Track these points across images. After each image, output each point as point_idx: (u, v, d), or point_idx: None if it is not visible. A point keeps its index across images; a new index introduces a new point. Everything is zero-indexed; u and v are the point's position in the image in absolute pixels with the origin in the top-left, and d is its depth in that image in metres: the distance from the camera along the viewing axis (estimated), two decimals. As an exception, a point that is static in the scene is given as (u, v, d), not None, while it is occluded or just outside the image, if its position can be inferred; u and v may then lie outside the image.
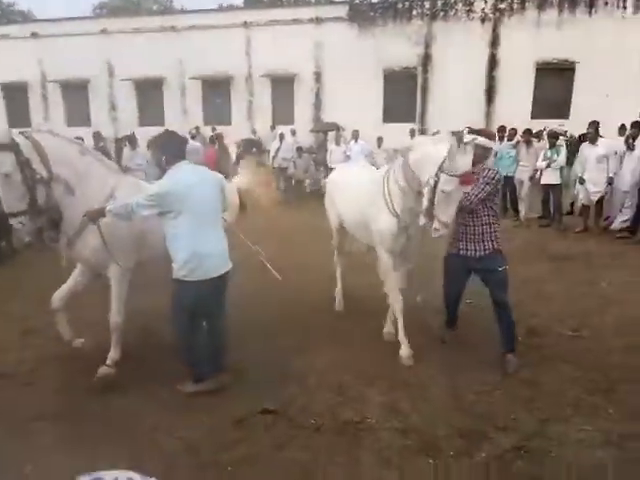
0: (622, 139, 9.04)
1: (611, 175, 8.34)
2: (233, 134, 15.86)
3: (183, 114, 20.34)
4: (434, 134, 10.58)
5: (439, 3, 18.26)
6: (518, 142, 10.21)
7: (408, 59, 18.16)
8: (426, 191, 3.58)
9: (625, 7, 16.33)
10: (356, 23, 18.45)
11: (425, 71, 18.26)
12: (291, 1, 32.60)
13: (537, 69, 17.19)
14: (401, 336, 4.20)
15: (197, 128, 17.14)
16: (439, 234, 3.64)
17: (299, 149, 12.19)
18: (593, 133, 8.63)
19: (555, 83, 17.11)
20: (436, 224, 3.60)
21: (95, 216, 3.50)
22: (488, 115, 17.60)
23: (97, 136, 11.93)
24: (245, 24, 19.24)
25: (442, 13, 17.94)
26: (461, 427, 3.23)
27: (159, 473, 2.80)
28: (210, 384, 3.72)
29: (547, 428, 3.19)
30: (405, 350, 4.15)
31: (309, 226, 9.46)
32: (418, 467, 2.90)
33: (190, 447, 3.13)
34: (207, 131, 17.89)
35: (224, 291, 3.70)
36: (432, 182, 3.51)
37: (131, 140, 10.83)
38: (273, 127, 17.69)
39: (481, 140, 3.72)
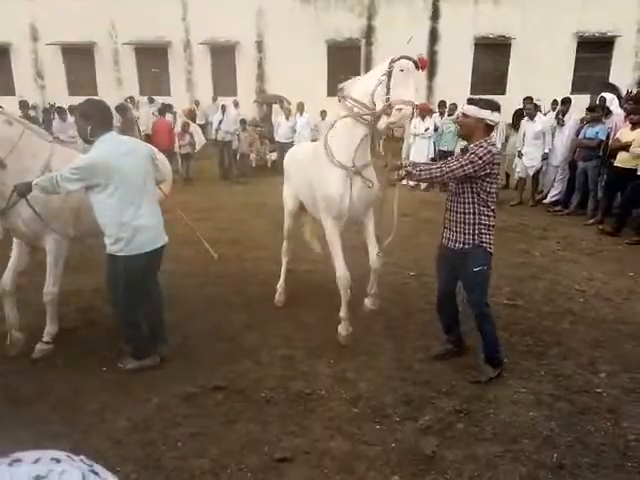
0: (552, 114, 9.51)
1: (546, 150, 8.76)
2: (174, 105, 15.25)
3: (117, 83, 19.30)
4: None
5: (382, -26, 18.16)
6: (458, 117, 10.47)
7: (351, 31, 18.05)
8: (378, 89, 3.38)
9: (558, -15, 16.91)
10: (298, -9, 18.05)
11: (369, 43, 18.23)
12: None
13: (475, 44, 17.59)
14: (342, 314, 4.01)
15: (131, 98, 16.33)
16: (403, 114, 3.24)
17: (242, 122, 11.89)
18: (532, 109, 8.98)
19: (493, 59, 17.62)
20: (399, 106, 3.24)
21: (23, 190, 3.33)
22: (430, 89, 17.91)
23: (24, 105, 11.12)
24: (182, -12, 18.33)
25: (385, -16, 17.87)
26: (406, 394, 3.38)
27: (108, 450, 2.83)
28: (151, 360, 3.72)
29: (485, 392, 3.39)
30: (344, 327, 4.02)
31: (254, 202, 9.37)
32: (366, 433, 3.01)
33: (139, 425, 3.10)
34: (144, 101, 17.13)
35: (159, 264, 3.70)
36: (383, 73, 3.38)
37: (60, 111, 10.20)
38: (215, 98, 17.16)
39: (468, 109, 3.31)
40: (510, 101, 11.12)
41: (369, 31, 18.13)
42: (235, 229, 7.48)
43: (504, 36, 17.23)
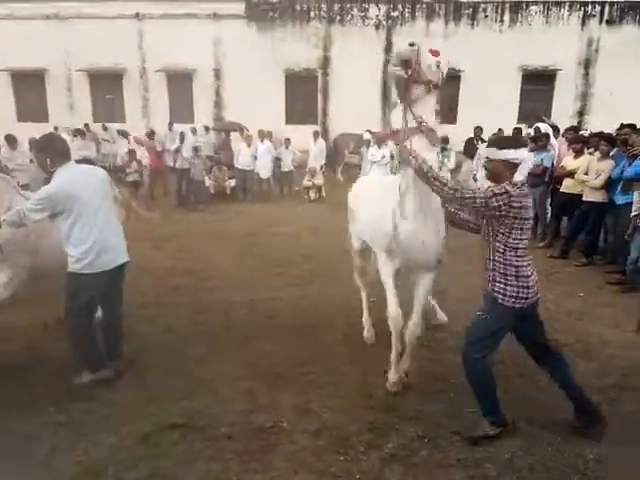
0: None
1: None
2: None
3: (69, 109, 18.87)
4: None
5: (336, 7, 18.75)
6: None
7: (308, 61, 18.43)
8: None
9: (502, 21, 17.95)
10: (254, 22, 18.35)
11: (325, 74, 18.65)
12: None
13: (428, 76, 18.28)
14: (394, 355, 3.73)
15: (86, 125, 15.99)
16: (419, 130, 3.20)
17: (196, 149, 11.76)
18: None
19: (444, 90, 18.27)
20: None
21: None
22: (385, 120, 18.40)
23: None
24: (137, 16, 18.29)
25: (339, 17, 18.43)
26: (371, 422, 3.34)
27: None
28: (106, 373, 3.82)
29: (450, 417, 3.39)
30: (393, 374, 3.72)
31: (212, 230, 9.25)
32: (331, 465, 2.94)
33: (91, 469, 2.91)
34: (98, 129, 16.81)
35: (122, 281, 3.91)
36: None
37: (9, 139, 9.85)
38: (171, 125, 17.00)
39: (488, 152, 3.09)
40: (460, 130, 11.63)
41: (325, 61, 18.57)
42: (191, 258, 7.32)
43: (454, 69, 18.01)
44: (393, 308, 3.64)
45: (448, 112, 18.05)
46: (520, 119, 16.69)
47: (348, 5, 18.81)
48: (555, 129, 9.93)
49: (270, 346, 4.44)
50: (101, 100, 19.12)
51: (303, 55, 18.25)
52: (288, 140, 13.23)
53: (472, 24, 18.07)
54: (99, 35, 17.49)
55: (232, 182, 12.58)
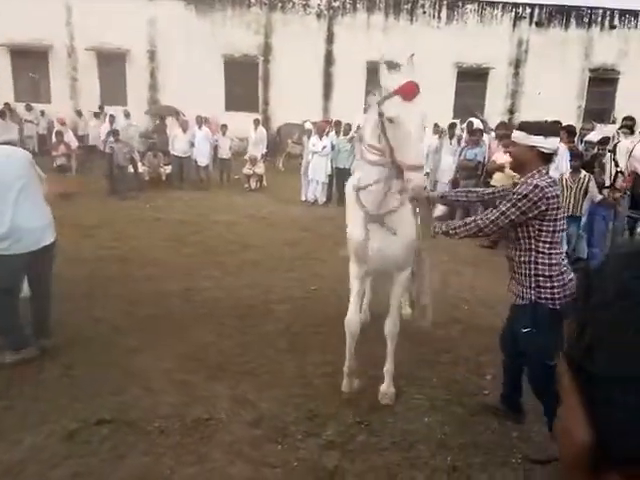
0: (436, 137, 10.24)
1: (427, 171, 9.35)
2: (54, 113, 14.14)
3: (-12, 87, 17.46)
4: None
5: (277, -6, 18.53)
6: (353, 137, 10.87)
7: (248, 47, 18.10)
8: (382, 141, 2.83)
9: (440, 18, 18.43)
10: (193, 4, 17.75)
11: (266, 61, 18.39)
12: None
13: (367, 68, 18.49)
14: (347, 367, 3.51)
15: (7, 104, 14.88)
16: (415, 185, 2.69)
17: (114, 132, 11.05)
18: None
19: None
20: (408, 174, 2.69)
21: None
22: (325, 109, 18.44)
23: None
24: (65, -10, 17.17)
25: (280, 4, 18.20)
26: (309, 410, 3.34)
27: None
28: (29, 352, 3.80)
29: (384, 401, 3.46)
30: (346, 384, 3.53)
31: (145, 217, 8.89)
32: (268, 454, 2.92)
33: (10, 470, 2.72)
34: (20, 108, 15.72)
35: (50, 261, 3.89)
36: (378, 119, 2.79)
37: None
38: (102, 108, 16.16)
39: (517, 135, 2.81)
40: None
41: (266, 48, 18.31)
42: (124, 246, 7.00)
43: (392, 62, 18.30)
44: (352, 312, 3.41)
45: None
46: (456, 115, 17.26)
47: (289, -8, 18.65)
48: (485, 125, 10.35)
49: (207, 336, 4.33)
50: (24, 78, 17.83)
51: (243, 41, 17.89)
52: (225, 126, 12.92)
53: (411, 19, 18.44)
54: (22, 9, 16.23)
55: (167, 169, 12.15)
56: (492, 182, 7.88)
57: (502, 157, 7.81)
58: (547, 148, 2.72)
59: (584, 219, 6.28)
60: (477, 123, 9.86)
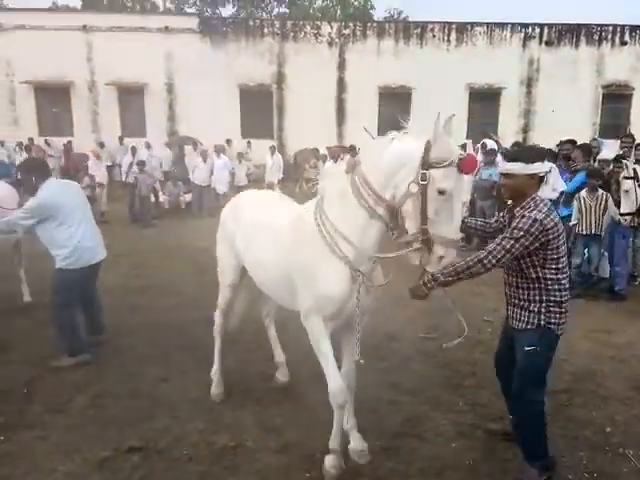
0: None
1: None
2: (77, 147, 14.62)
3: (14, 124, 18.11)
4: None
5: (288, 24, 19.00)
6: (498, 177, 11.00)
7: (262, 76, 18.53)
8: (410, 205, 2.42)
9: (449, 41, 18.69)
10: (208, 37, 18.31)
11: (280, 89, 18.78)
12: (136, 8, 31.24)
13: (380, 93, 18.77)
14: (333, 445, 2.97)
15: (31, 139, 15.41)
16: (446, 262, 2.47)
17: (140, 163, 11.41)
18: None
19: (396, 106, 18.84)
20: (439, 249, 2.41)
21: None
22: (339, 135, 18.68)
23: None
24: (85, 28, 17.88)
25: (292, 34, 18.67)
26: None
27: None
28: (85, 357, 4.38)
29: (411, 428, 3.45)
30: (332, 462, 2.93)
31: (166, 245, 9.05)
32: (296, 483, 2.93)
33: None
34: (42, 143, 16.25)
35: (98, 274, 4.65)
36: (419, 184, 2.36)
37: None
38: (122, 140, 16.62)
39: (513, 168, 2.73)
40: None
41: (280, 77, 18.72)
42: (146, 275, 7.14)
43: (404, 86, 18.57)
44: (335, 381, 2.85)
45: (400, 127, 18.52)
46: (469, 136, 17.34)
47: (301, 22, 19.13)
48: (499, 145, 10.39)
49: (230, 364, 4.36)
50: (47, 113, 18.47)
51: (257, 70, 18.33)
52: (241, 154, 13.22)
53: (421, 43, 18.72)
54: (44, 47, 16.92)
55: (187, 197, 12.40)
56: (509, 202, 7.88)
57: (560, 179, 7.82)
58: (543, 171, 2.76)
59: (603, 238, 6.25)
60: (491, 143, 9.93)
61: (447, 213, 2.38)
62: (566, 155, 7.24)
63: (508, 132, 17.65)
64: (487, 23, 18.76)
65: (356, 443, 3.02)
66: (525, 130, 19.04)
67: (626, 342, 4.92)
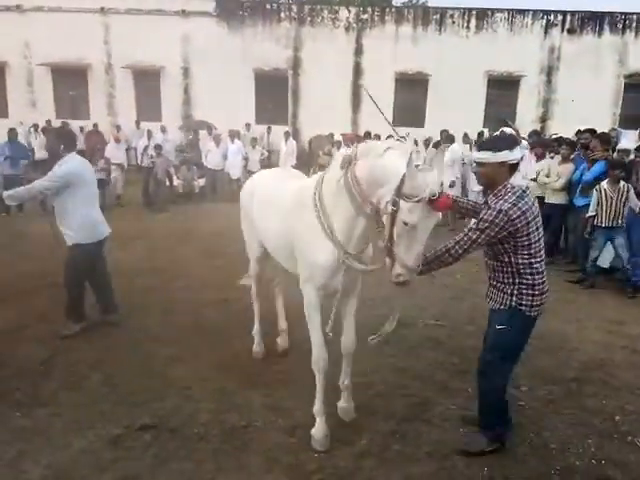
0: (466, 146, 10.19)
1: (453, 179, 9.28)
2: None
3: (31, 105, 18.29)
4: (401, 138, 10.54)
5: (306, 8, 18.80)
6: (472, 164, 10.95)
7: (278, 61, 18.41)
8: (385, 219, 2.62)
9: (469, 27, 18.37)
10: (225, 21, 18.22)
11: (296, 74, 18.67)
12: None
13: (396, 79, 18.55)
14: (317, 408, 3.21)
15: (48, 121, 15.56)
16: (402, 280, 2.62)
17: (157, 147, 11.40)
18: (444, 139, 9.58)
19: (412, 93, 18.64)
20: (397, 268, 2.60)
21: None
22: (354, 121, 18.55)
23: None
24: (102, 10, 17.90)
25: (309, 18, 18.49)
26: (342, 418, 3.37)
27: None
28: (85, 323, 4.66)
29: (419, 412, 3.47)
30: (319, 428, 3.15)
31: (180, 229, 9.12)
32: (305, 462, 2.97)
33: (60, 473, 2.86)
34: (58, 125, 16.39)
35: (104, 247, 4.78)
36: (390, 209, 2.53)
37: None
38: (138, 123, 16.72)
39: (482, 156, 2.80)
40: (428, 133, 11.86)
41: (296, 62, 18.59)
42: (159, 258, 7.21)
43: (421, 72, 18.34)
44: (318, 349, 3.19)
45: (416, 115, 18.36)
46: (486, 124, 17.12)
47: (318, 7, 18.92)
48: (518, 133, 10.25)
49: (241, 345, 4.42)
50: (64, 96, 18.60)
51: (273, 55, 18.22)
52: (255, 140, 13.22)
53: (440, 29, 18.42)
54: (62, 29, 16.99)
55: (201, 181, 12.45)
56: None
57: (534, 166, 7.73)
58: (514, 159, 2.77)
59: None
60: (510, 132, 9.79)
61: (408, 243, 2.55)
62: (585, 144, 7.12)
63: (526, 121, 17.39)
64: (508, 10, 18.39)
65: (345, 402, 3.39)
66: (543, 119, 18.73)
67: (639, 333, 4.87)
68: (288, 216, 3.18)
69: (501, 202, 2.67)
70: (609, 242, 6.13)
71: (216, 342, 4.50)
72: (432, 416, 3.43)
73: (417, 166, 2.47)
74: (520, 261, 2.75)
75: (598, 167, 6.39)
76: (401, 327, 4.80)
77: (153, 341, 4.50)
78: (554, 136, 9.35)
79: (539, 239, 2.76)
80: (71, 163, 4.40)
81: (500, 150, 2.72)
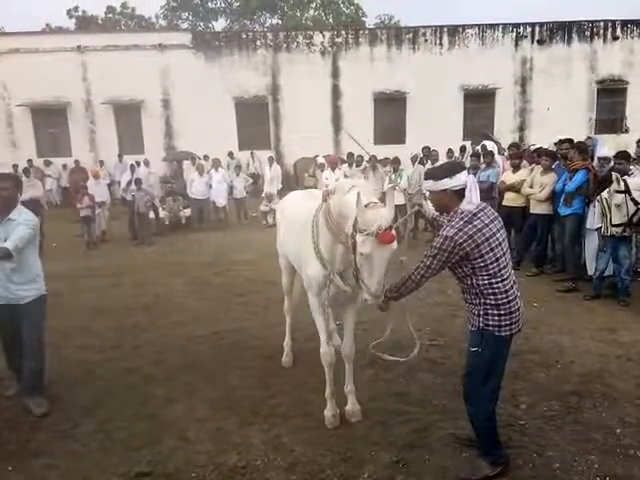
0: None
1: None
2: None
3: (11, 145, 18.22)
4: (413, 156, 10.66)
5: (281, 35, 19.11)
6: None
7: (257, 88, 18.61)
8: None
9: (442, 44, 18.77)
10: (201, 52, 18.43)
11: (275, 100, 18.85)
12: (130, 26, 31.53)
13: (375, 99, 18.82)
14: (327, 393, 3.68)
15: (30, 161, 15.48)
16: (372, 303, 2.95)
17: (137, 181, 11.22)
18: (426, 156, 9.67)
19: (391, 111, 18.89)
20: (364, 294, 2.94)
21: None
22: (336, 142, 18.73)
23: None
24: (79, 48, 18.00)
25: (285, 45, 18.77)
26: (343, 451, 3.32)
27: None
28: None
29: (420, 438, 3.41)
30: (329, 408, 3.65)
31: (168, 262, 9.05)
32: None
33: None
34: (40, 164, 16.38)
35: (31, 320, 3.93)
36: (350, 241, 2.92)
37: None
38: (121, 157, 16.71)
39: (427, 185, 2.96)
40: (410, 150, 11.97)
41: (275, 88, 18.80)
42: (148, 293, 7.13)
43: (399, 91, 18.63)
44: (325, 346, 3.63)
45: (397, 132, 18.59)
46: (465, 137, 17.37)
47: (293, 33, 19.24)
48: (499, 146, 10.42)
49: (237, 381, 4.36)
50: (45, 134, 18.56)
51: (252, 83, 18.42)
52: (239, 167, 13.30)
53: (414, 48, 18.80)
54: (39, 69, 17.03)
55: (187, 212, 12.42)
56: (504, 202, 7.84)
57: (511, 177, 7.83)
58: (456, 185, 2.82)
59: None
60: (491, 145, 9.92)
61: (367, 271, 2.88)
62: (564, 154, 7.23)
63: (504, 131, 17.70)
64: (478, 25, 18.86)
65: (351, 405, 3.70)
66: (521, 129, 19.09)
67: (632, 340, 4.88)
68: (299, 234, 3.69)
69: (448, 228, 2.76)
70: (604, 253, 6.05)
71: (210, 380, 4.42)
72: (433, 441, 3.38)
73: (369, 204, 2.85)
74: (481, 282, 2.78)
75: (580, 176, 6.47)
76: (396, 349, 4.78)
77: (146, 382, 4.41)
78: (532, 147, 9.47)
79: (497, 259, 2.76)
80: (32, 215, 3.96)
81: (441, 178, 2.85)
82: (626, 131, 18.38)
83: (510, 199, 7.76)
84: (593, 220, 6.26)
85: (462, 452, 3.25)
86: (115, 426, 3.73)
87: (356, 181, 3.43)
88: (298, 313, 5.81)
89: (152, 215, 11.44)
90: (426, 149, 10.80)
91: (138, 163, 13.49)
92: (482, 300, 2.81)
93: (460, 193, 2.84)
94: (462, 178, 2.85)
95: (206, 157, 14.85)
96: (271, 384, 4.26)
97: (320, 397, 3.98)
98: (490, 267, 2.75)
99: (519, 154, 8.35)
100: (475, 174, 8.68)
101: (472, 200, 2.81)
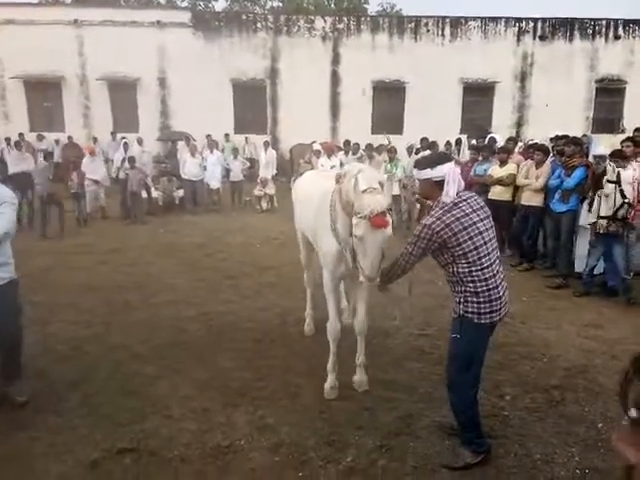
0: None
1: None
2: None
3: (4, 118, 17.94)
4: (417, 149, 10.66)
5: (282, 18, 18.87)
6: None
7: (256, 71, 18.41)
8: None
9: (444, 35, 18.64)
10: (201, 31, 18.17)
11: (273, 84, 18.67)
12: (129, 2, 30.94)
13: (374, 87, 18.70)
14: (329, 366, 3.86)
15: (21, 135, 15.26)
16: (368, 285, 3.18)
17: (131, 159, 11.13)
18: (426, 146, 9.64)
19: (390, 101, 18.80)
20: (360, 276, 3.13)
21: None
22: (334, 129, 18.63)
23: None
24: (76, 22, 17.67)
25: (285, 28, 18.54)
26: (328, 434, 3.33)
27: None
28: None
29: (405, 425, 3.44)
30: (329, 381, 3.84)
31: (160, 242, 9.00)
32: (288, 482, 2.92)
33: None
34: (33, 138, 16.16)
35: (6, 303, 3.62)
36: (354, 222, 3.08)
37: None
38: (114, 135, 16.51)
39: (415, 173, 3.07)
40: (407, 140, 11.93)
41: (273, 72, 18.61)
42: (139, 272, 7.10)
43: (399, 80, 18.52)
44: (333, 320, 3.85)
45: (395, 122, 18.51)
46: (463, 130, 17.34)
47: (294, 17, 18.99)
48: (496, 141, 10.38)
49: (225, 362, 4.36)
50: (38, 108, 18.28)
51: (250, 65, 18.21)
52: (236, 150, 13.17)
53: (415, 38, 18.66)
54: (34, 42, 16.72)
55: (181, 192, 12.32)
56: (490, 195, 7.81)
57: (498, 171, 7.83)
58: (436, 176, 2.87)
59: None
60: (499, 138, 9.90)
61: (362, 254, 3.04)
62: (560, 151, 7.23)
63: (502, 126, 17.68)
64: (481, 18, 18.73)
65: (359, 375, 3.91)
66: (519, 124, 19.08)
67: (617, 337, 4.93)
68: (314, 213, 3.88)
69: (428, 217, 2.86)
70: (595, 249, 6.06)
71: (198, 359, 4.42)
72: (418, 429, 3.40)
73: (367, 189, 3.00)
74: (460, 270, 2.82)
75: (579, 173, 6.47)
76: (386, 338, 4.82)
77: (134, 359, 4.40)
78: (529, 142, 9.48)
79: (475, 247, 2.78)
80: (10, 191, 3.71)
81: (423, 168, 2.94)
82: (622, 131, 18.39)
83: (497, 193, 7.75)
84: (586, 217, 6.29)
85: (445, 440, 3.28)
86: (100, 401, 3.73)
87: (363, 166, 3.49)
88: (292, 297, 5.86)
89: (144, 194, 11.34)
90: (425, 140, 10.76)
91: (128, 143, 13.28)
92: (462, 287, 2.85)
93: (441, 184, 2.86)
94: (444, 170, 2.86)
95: (209, 136, 14.60)
96: (259, 366, 4.26)
97: (308, 381, 4.02)
98: (469, 255, 2.78)
99: (506, 148, 8.35)
100: (472, 167, 8.71)
101: (449, 193, 2.82)
